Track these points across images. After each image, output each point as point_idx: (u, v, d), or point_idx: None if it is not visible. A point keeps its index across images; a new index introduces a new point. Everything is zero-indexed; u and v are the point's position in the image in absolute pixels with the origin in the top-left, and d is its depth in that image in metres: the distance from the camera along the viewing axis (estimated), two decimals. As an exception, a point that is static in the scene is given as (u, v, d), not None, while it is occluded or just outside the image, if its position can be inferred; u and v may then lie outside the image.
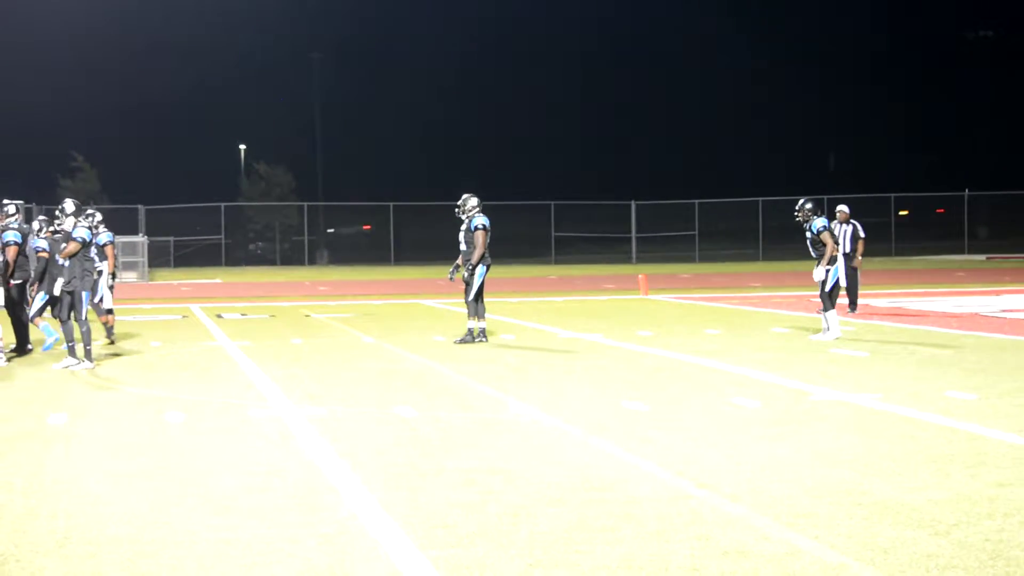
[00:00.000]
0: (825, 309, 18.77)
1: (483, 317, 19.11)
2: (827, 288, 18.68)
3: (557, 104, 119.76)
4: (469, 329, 18.97)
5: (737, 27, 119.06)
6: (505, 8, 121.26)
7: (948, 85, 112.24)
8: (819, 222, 18.78)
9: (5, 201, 17.98)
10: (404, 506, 7.91)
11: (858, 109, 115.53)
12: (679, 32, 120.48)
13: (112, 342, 19.26)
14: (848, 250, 23.27)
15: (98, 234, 19.01)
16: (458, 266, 19.15)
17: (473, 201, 19.29)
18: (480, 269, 18.96)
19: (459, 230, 19.22)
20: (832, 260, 18.68)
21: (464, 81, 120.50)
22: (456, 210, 19.40)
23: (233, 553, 6.89)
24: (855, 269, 23.38)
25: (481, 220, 19.04)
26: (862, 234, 23.64)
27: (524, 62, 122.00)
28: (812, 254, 18.94)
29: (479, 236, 18.91)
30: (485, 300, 19.35)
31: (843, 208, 23.75)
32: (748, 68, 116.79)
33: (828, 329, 18.70)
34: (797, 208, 19.23)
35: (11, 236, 17.47)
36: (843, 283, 19.16)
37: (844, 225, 23.38)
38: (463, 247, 19.10)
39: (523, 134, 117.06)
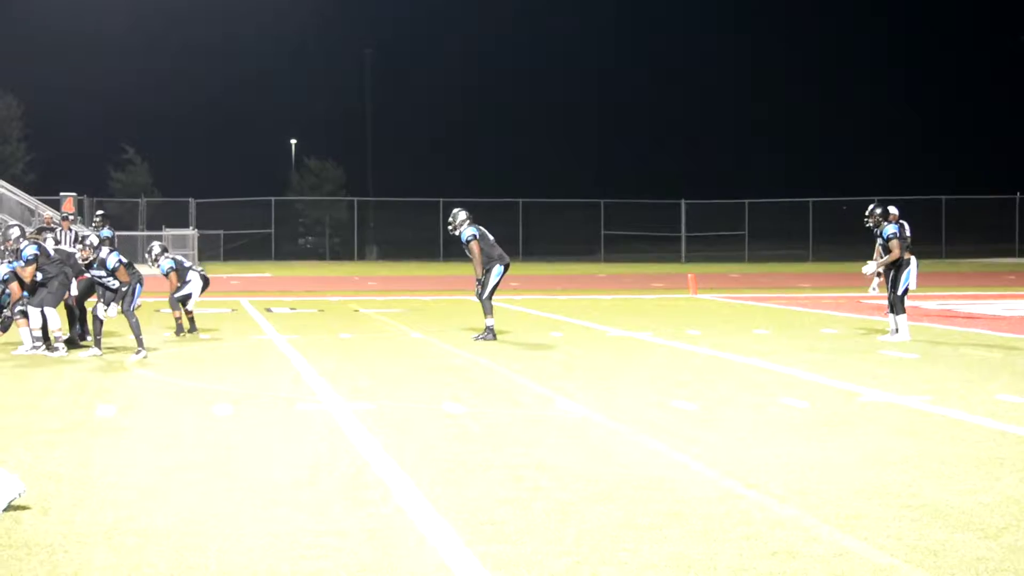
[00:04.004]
0: (894, 312, 18.68)
1: (490, 315, 19.24)
2: (899, 291, 18.59)
3: (609, 103, 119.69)
4: (488, 327, 19.03)
5: (786, 27, 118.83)
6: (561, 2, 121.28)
7: (1000, 87, 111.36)
8: (889, 228, 18.83)
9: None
10: (451, 502, 7.91)
11: (904, 111, 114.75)
12: (731, 33, 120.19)
13: (179, 334, 19.60)
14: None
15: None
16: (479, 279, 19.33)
17: (462, 215, 19.46)
18: (497, 268, 19.14)
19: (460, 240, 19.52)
20: (905, 264, 18.62)
21: (514, 77, 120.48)
22: (448, 227, 19.54)
23: (280, 546, 6.91)
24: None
25: (470, 231, 19.21)
26: (909, 234, 23.53)
27: (576, 60, 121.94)
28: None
29: (473, 247, 19.11)
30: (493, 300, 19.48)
31: (892, 210, 23.62)
32: (796, 69, 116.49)
33: (897, 331, 18.61)
34: (867, 213, 19.46)
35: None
36: (912, 286, 18.95)
37: (892, 226, 23.30)
38: None
39: (573, 132, 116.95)
